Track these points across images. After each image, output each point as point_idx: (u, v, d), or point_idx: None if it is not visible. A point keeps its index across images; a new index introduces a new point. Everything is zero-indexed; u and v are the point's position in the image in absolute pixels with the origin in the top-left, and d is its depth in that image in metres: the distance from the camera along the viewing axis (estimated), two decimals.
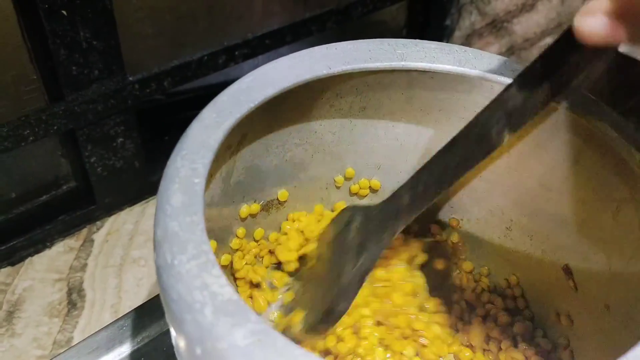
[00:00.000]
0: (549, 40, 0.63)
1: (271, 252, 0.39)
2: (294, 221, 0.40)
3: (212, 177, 0.31)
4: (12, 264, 0.46)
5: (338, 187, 0.40)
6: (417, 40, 0.36)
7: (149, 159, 0.50)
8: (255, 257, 0.39)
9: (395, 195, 0.35)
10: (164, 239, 0.25)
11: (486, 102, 0.35)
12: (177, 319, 0.23)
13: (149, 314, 0.41)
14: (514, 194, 0.38)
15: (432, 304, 0.39)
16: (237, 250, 0.37)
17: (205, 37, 0.48)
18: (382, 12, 0.58)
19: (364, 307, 0.37)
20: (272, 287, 0.39)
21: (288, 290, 0.39)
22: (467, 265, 0.42)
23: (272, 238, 0.39)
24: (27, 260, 0.47)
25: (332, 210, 0.41)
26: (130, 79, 0.45)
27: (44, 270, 0.46)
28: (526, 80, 0.30)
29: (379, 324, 0.37)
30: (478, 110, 0.36)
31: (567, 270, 0.37)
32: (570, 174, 0.35)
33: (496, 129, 0.31)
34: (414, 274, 0.39)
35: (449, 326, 0.40)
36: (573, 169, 0.35)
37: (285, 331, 0.35)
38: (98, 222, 0.50)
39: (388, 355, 0.37)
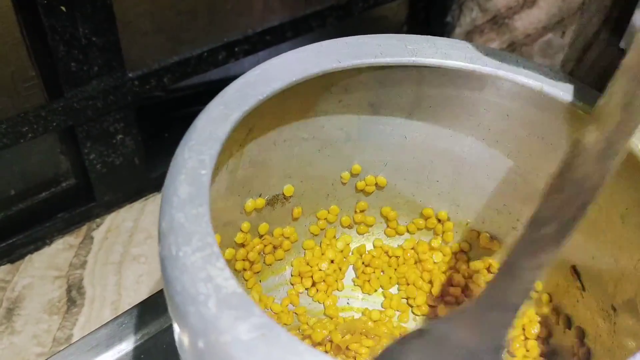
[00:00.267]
0: (550, 36, 0.62)
1: (275, 248, 0.39)
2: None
3: (218, 171, 0.31)
4: (12, 262, 0.46)
5: (344, 184, 0.40)
6: (428, 37, 0.36)
7: (149, 156, 0.50)
8: (260, 253, 0.38)
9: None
10: (169, 231, 0.25)
11: (497, 100, 0.35)
12: (180, 312, 0.23)
13: (150, 311, 0.40)
14: (521, 193, 0.38)
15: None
16: (241, 245, 0.37)
17: (206, 33, 0.48)
18: (383, 8, 0.58)
19: None
20: None
21: None
22: (473, 265, 0.41)
23: (277, 233, 0.39)
24: (27, 258, 0.46)
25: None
26: (130, 75, 0.44)
27: (43, 268, 0.46)
28: None
29: None
30: (488, 107, 0.36)
31: (575, 271, 0.36)
32: None
33: None
34: None
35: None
36: None
37: None
38: (98, 220, 0.49)
39: None
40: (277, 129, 0.35)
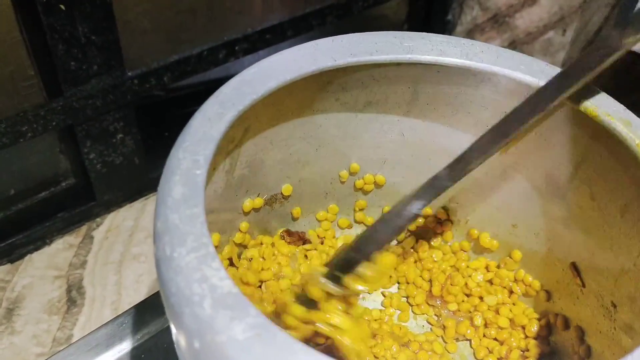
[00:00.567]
0: (551, 34, 0.62)
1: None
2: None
3: (215, 171, 0.31)
4: (12, 261, 0.46)
5: (342, 182, 0.40)
6: (424, 33, 0.35)
7: (149, 155, 0.50)
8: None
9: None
10: (164, 232, 0.25)
11: (493, 96, 0.35)
12: (175, 312, 0.23)
13: (149, 311, 0.40)
14: (520, 190, 0.38)
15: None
16: (239, 244, 0.37)
17: (205, 32, 0.48)
18: (383, 6, 0.57)
19: None
20: None
21: None
22: (472, 263, 0.41)
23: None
24: (27, 258, 0.46)
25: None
26: (130, 74, 0.44)
27: (43, 267, 0.46)
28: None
29: None
30: (485, 104, 0.35)
31: (574, 268, 0.36)
32: (577, 170, 0.34)
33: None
34: None
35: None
36: (580, 165, 0.34)
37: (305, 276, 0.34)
38: (98, 219, 0.49)
39: None
40: (273, 128, 0.35)
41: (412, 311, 0.41)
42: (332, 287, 0.31)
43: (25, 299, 0.44)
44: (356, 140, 0.38)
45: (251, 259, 0.37)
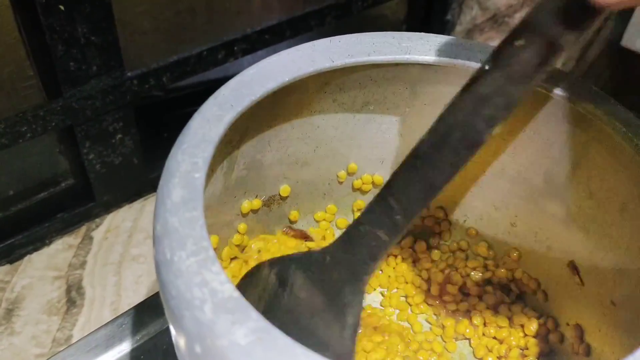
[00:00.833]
0: None
1: None
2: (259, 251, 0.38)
3: (213, 172, 0.31)
4: (11, 262, 0.46)
5: (341, 183, 0.40)
6: (423, 34, 0.35)
7: (148, 156, 0.50)
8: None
9: (360, 230, 0.30)
10: (164, 235, 0.25)
11: None
12: (176, 316, 0.23)
13: (149, 312, 0.40)
14: (519, 189, 0.38)
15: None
16: (238, 246, 0.37)
17: (204, 32, 0.48)
18: (382, 6, 0.57)
19: None
20: None
21: None
22: (471, 262, 0.41)
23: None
24: (26, 258, 0.46)
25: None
26: (129, 74, 0.44)
27: (42, 268, 0.46)
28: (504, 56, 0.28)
29: None
30: None
31: (573, 267, 0.36)
32: (576, 169, 0.34)
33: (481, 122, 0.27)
34: None
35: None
36: (579, 164, 0.34)
37: None
38: (97, 220, 0.49)
39: None
40: (271, 129, 0.35)
41: (411, 310, 0.41)
42: None
43: (25, 300, 0.44)
44: (354, 141, 0.38)
45: (259, 250, 0.37)
